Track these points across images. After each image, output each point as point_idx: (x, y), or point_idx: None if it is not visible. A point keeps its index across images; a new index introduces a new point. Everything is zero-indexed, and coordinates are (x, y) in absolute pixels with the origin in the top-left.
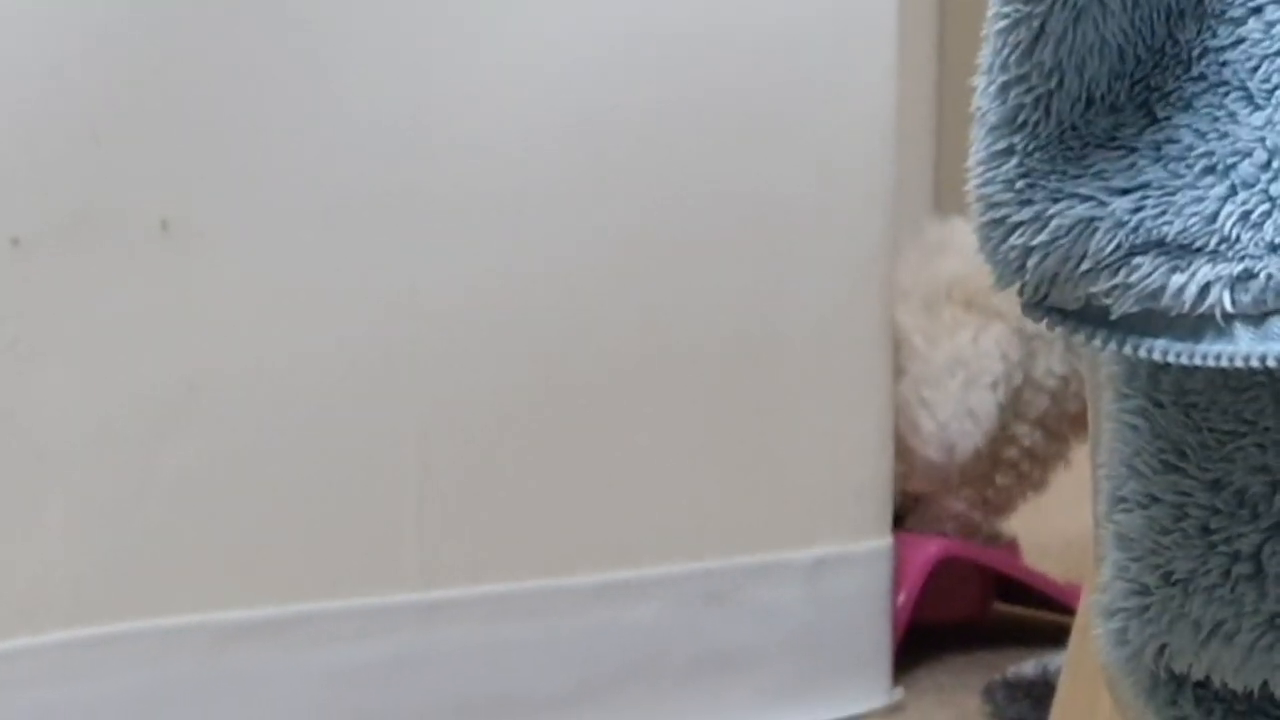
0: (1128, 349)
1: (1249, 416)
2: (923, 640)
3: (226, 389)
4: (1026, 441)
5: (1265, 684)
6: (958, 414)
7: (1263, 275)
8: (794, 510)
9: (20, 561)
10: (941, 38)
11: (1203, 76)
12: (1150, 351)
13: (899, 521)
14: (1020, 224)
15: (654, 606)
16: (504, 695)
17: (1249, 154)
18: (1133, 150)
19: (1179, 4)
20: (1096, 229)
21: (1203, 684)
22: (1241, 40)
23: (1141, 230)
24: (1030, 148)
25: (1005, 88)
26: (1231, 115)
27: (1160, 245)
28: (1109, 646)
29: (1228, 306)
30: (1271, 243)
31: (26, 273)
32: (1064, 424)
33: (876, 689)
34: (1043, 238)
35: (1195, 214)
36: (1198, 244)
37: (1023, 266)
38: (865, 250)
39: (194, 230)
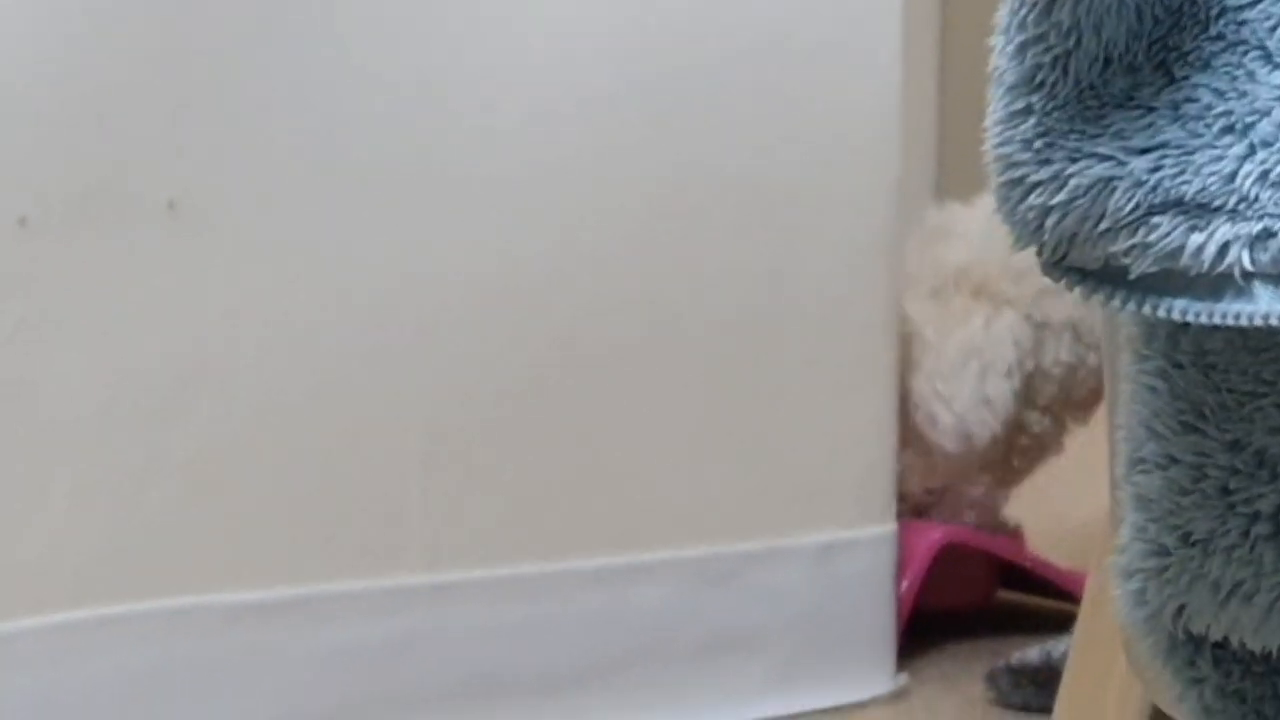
0: (1146, 309)
1: (1268, 377)
2: (926, 626)
3: (232, 369)
4: (1037, 428)
5: None
6: (974, 404)
7: None
8: (799, 495)
9: (25, 541)
10: (945, 21)
11: (1221, 36)
12: (1169, 311)
13: (923, 515)
14: (1039, 184)
15: (659, 590)
16: (508, 677)
17: (1268, 113)
18: (1151, 110)
19: None
20: (1115, 188)
21: (1221, 645)
22: (1259, 0)
23: (1160, 190)
24: (1048, 107)
25: (1023, 47)
26: (1250, 74)
27: (1179, 204)
28: (1127, 607)
29: (1247, 265)
30: None
31: (33, 253)
32: (1068, 410)
33: (880, 675)
34: (1061, 197)
35: (1214, 173)
36: (1216, 203)
37: (1041, 226)
38: (870, 234)
39: (200, 210)
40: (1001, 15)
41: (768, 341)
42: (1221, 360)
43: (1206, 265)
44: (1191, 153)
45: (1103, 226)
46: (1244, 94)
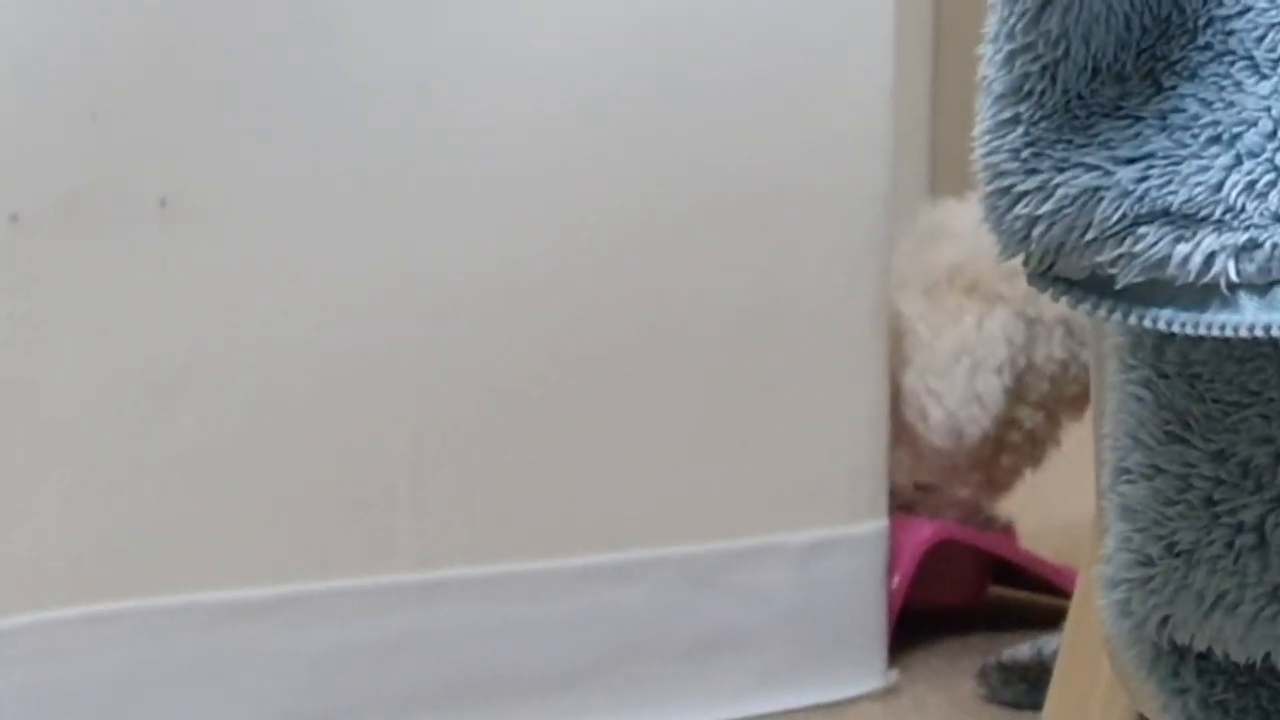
0: (1133, 319)
1: (1253, 387)
2: (917, 623)
3: (224, 366)
4: (1029, 424)
5: (1267, 655)
6: (965, 400)
7: (1268, 245)
8: (789, 493)
9: (17, 539)
10: (938, 20)
11: (1209, 46)
12: (1155, 321)
13: (908, 512)
14: (1026, 193)
15: (648, 588)
16: (497, 676)
17: (1254, 123)
18: (1138, 119)
19: None
20: (1102, 198)
21: (1205, 656)
22: (1248, 9)
23: (1147, 200)
24: (1036, 117)
25: (1011, 56)
26: (1237, 84)
27: (1165, 215)
28: (1112, 618)
29: (1233, 276)
30: (1277, 212)
31: (25, 250)
32: (1061, 406)
33: (871, 672)
34: (1048, 207)
35: (1200, 183)
36: (1203, 213)
37: (1028, 236)
38: (862, 233)
39: (192, 207)
40: (990, 24)
41: (759, 340)
42: (1207, 370)
43: (1192, 275)
44: (1178, 163)
45: (1089, 236)
46: (1231, 104)
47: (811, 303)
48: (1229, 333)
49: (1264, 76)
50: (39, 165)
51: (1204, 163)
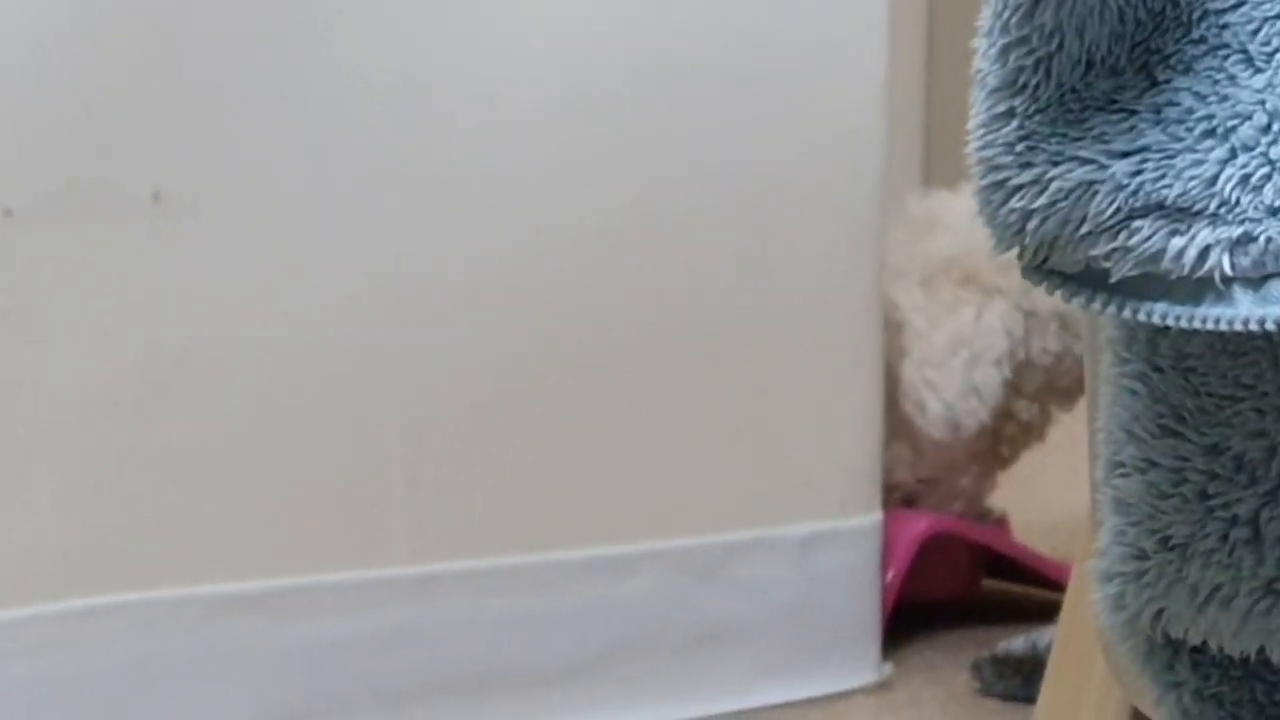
0: (1127, 312)
1: (1248, 381)
2: (912, 617)
3: (217, 361)
4: (1024, 416)
5: (1262, 649)
6: (963, 393)
7: (1262, 238)
8: (783, 486)
9: (9, 533)
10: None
11: (1203, 39)
12: (1149, 315)
13: (913, 505)
14: (1020, 187)
15: (643, 582)
16: (493, 670)
17: (1249, 117)
18: (1133, 113)
19: None
20: (1096, 192)
21: (1199, 649)
22: (1242, 3)
23: (1141, 193)
24: (1030, 110)
25: (1006, 50)
26: (1232, 78)
27: (1160, 208)
28: (1106, 611)
29: (1227, 270)
30: (1271, 206)
31: (18, 244)
32: (1054, 398)
33: (865, 665)
34: (1042, 201)
35: (1195, 177)
36: (1197, 207)
37: (1022, 230)
38: (856, 227)
39: (186, 202)
40: (984, 17)
41: (754, 333)
42: (1201, 364)
43: (1187, 269)
44: (1173, 156)
45: (1084, 230)
46: (1225, 98)
47: (807, 298)
48: (1223, 327)
49: (1258, 70)
50: (32, 160)
51: (1198, 156)
